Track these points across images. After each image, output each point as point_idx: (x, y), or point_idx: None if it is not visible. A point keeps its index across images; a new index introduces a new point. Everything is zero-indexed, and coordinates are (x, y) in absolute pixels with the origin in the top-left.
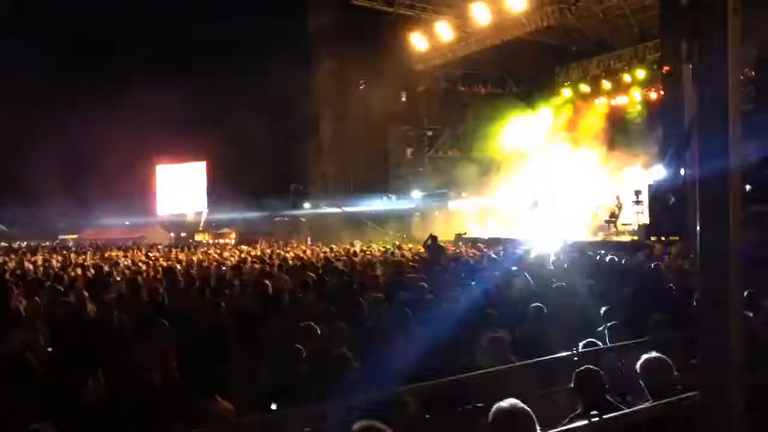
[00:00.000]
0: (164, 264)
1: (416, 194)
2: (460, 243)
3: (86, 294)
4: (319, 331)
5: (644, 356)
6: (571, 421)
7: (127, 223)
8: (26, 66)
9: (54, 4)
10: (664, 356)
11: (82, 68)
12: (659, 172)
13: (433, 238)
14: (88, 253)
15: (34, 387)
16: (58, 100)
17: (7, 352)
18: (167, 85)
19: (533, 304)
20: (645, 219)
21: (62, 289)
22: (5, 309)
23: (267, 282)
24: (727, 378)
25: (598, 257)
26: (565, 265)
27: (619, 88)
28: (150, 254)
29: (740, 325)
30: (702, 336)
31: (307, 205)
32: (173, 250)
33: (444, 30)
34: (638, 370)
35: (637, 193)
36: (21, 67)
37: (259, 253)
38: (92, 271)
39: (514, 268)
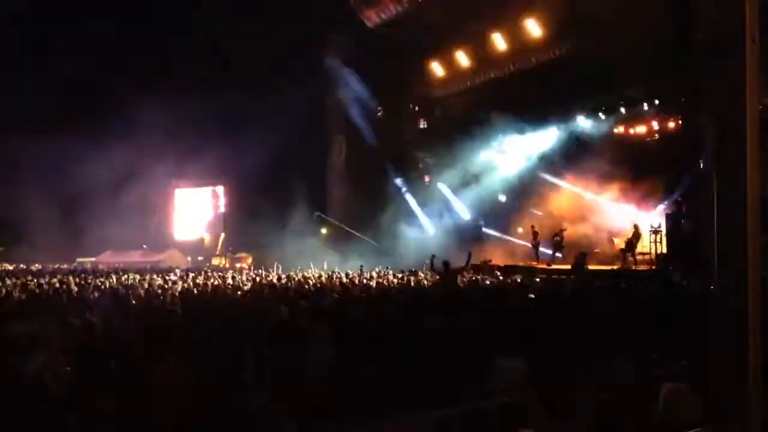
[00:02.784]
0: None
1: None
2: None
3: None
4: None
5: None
6: None
7: (144, 246)
8: (43, 89)
9: (69, 28)
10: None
11: (101, 91)
12: (676, 202)
13: (445, 262)
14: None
15: (54, 407)
16: (76, 123)
17: (28, 374)
18: (185, 109)
19: None
20: (662, 249)
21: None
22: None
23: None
24: (745, 408)
25: None
26: None
27: (637, 116)
28: (167, 278)
29: (759, 351)
30: (714, 363)
31: (324, 230)
32: (190, 274)
33: (462, 57)
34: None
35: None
36: (38, 90)
37: (275, 279)
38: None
39: None
